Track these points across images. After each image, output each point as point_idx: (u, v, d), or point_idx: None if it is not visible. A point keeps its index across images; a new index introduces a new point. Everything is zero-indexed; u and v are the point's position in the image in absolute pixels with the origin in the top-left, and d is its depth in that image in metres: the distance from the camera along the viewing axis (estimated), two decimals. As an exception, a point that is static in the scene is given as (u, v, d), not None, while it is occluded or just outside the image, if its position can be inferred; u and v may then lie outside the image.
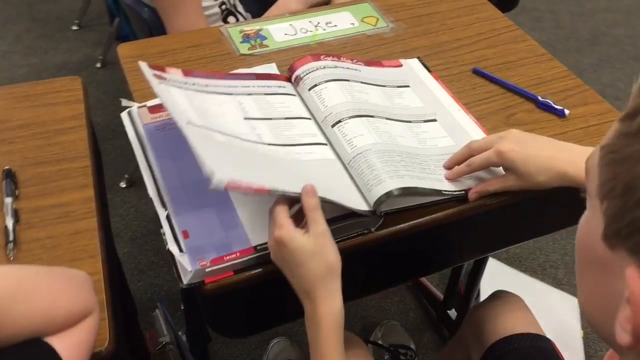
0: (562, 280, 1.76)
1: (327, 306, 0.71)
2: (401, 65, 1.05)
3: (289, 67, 0.99)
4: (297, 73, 0.97)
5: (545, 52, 1.11)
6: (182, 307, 1.58)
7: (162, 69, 0.89)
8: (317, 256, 0.70)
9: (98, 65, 2.42)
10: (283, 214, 0.72)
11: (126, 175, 1.96)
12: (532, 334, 0.98)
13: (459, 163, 0.84)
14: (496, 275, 1.68)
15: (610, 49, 2.64)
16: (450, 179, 0.84)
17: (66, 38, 2.57)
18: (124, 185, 1.95)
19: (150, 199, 0.82)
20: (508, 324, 1.01)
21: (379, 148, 0.84)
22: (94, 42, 2.54)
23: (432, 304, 1.67)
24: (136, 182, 1.96)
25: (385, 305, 1.68)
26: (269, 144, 0.84)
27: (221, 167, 0.68)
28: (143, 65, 0.86)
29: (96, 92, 2.28)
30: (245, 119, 0.88)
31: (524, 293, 1.10)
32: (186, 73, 0.91)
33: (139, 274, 1.71)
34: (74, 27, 2.61)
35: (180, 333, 1.29)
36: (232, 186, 0.67)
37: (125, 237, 1.81)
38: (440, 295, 1.64)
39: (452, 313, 1.60)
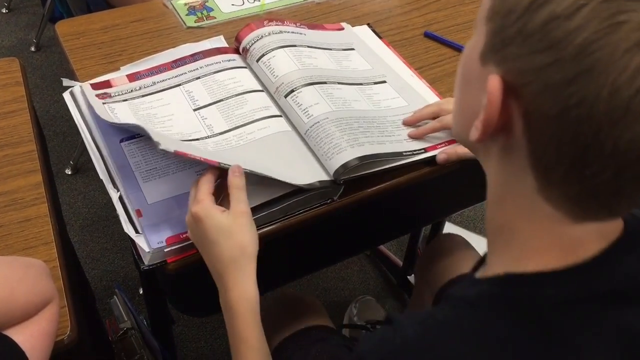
0: (515, 239, 1.80)
1: (240, 290, 0.67)
2: (343, 29, 1.04)
3: (235, 37, 0.96)
4: (243, 44, 0.94)
5: (493, 13, 1.12)
6: (141, 291, 1.55)
7: (107, 84, 0.89)
8: (233, 236, 0.66)
9: (32, 49, 2.31)
10: (205, 189, 0.68)
11: (71, 162, 1.89)
12: None
13: (423, 119, 0.85)
14: (452, 239, 1.71)
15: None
16: (416, 137, 0.84)
17: (-4, 22, 2.44)
18: (69, 172, 1.88)
19: (98, 184, 0.79)
20: (454, 265, 1.03)
21: (336, 116, 0.83)
22: (26, 25, 2.42)
23: (391, 271, 1.69)
24: (82, 168, 1.89)
25: (345, 275, 1.68)
26: (221, 133, 0.83)
27: (169, 142, 0.68)
28: (86, 89, 0.87)
29: (32, 77, 2.18)
30: (195, 110, 0.87)
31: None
32: (131, 78, 0.90)
33: (92, 262, 1.66)
34: (4, 10, 2.49)
35: (141, 317, 1.27)
36: (180, 153, 0.67)
37: (75, 225, 1.75)
38: (400, 262, 1.66)
39: (412, 279, 1.62)
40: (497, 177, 0.50)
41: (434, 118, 0.85)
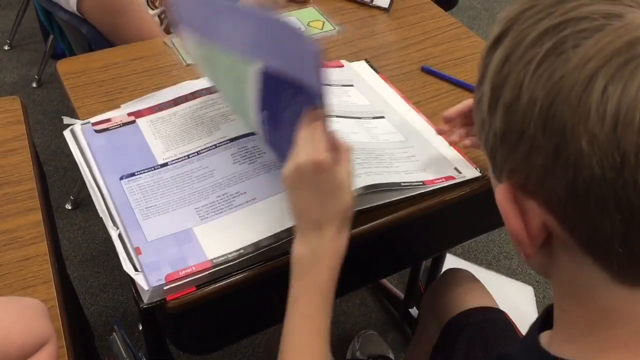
0: (516, 270, 1.79)
1: (339, 244, 0.67)
2: (343, 66, 1.05)
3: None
4: None
5: (489, 47, 1.13)
6: (140, 327, 1.53)
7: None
8: (347, 193, 0.67)
9: (34, 85, 2.34)
10: (324, 140, 0.66)
11: (71, 197, 1.89)
12: (485, 307, 0.99)
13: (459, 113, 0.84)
14: (454, 271, 1.70)
15: (545, 43, 2.73)
16: (449, 120, 0.85)
17: (-2, 59, 2.47)
18: (69, 207, 1.89)
19: (98, 219, 0.79)
20: (461, 300, 1.02)
21: None
22: (28, 62, 2.45)
23: (393, 304, 1.67)
24: (82, 203, 1.89)
25: (347, 308, 1.67)
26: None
27: None
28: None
29: (34, 113, 2.19)
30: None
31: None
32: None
33: (91, 297, 1.65)
34: (6, 47, 2.52)
35: (140, 354, 1.25)
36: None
37: (74, 261, 1.74)
38: (401, 295, 1.65)
39: (414, 312, 1.61)
40: (562, 282, 0.47)
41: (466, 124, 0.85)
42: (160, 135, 0.89)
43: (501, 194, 0.43)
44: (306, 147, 0.66)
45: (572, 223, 0.40)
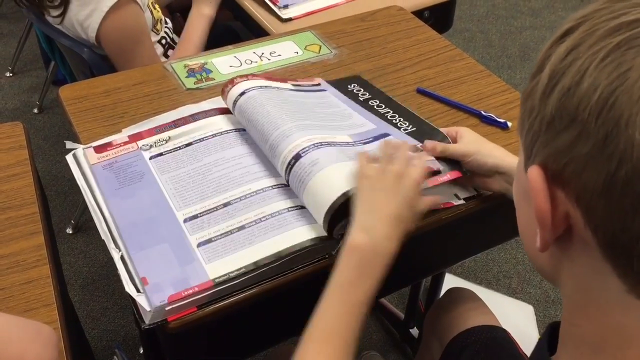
0: (516, 289, 1.79)
1: (395, 248, 0.72)
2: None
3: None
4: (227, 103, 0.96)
5: (484, 68, 1.15)
6: (141, 351, 1.53)
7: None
8: (416, 217, 0.75)
9: (35, 111, 2.36)
10: (425, 165, 0.78)
11: (72, 221, 1.90)
12: (487, 325, 1.00)
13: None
14: (454, 290, 1.70)
15: (540, 64, 2.75)
16: (432, 150, 0.87)
17: (0, 86, 2.49)
18: (70, 232, 1.89)
19: (98, 243, 0.80)
20: (463, 319, 1.02)
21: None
22: (30, 88, 2.48)
23: (393, 324, 1.67)
24: (82, 227, 1.90)
25: (348, 330, 1.67)
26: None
27: None
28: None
29: (35, 138, 2.21)
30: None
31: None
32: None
33: (92, 321, 1.65)
34: (8, 74, 2.55)
35: (141, 378, 1.25)
36: None
37: (75, 285, 1.75)
38: (401, 315, 1.65)
39: (414, 332, 1.61)
40: (574, 291, 0.45)
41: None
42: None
43: (536, 172, 0.41)
44: (405, 161, 0.76)
45: (599, 221, 0.39)
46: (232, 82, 0.97)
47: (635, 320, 0.41)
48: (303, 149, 0.82)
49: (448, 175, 0.85)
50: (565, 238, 0.42)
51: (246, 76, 0.98)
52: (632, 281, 0.39)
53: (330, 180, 0.79)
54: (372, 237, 0.71)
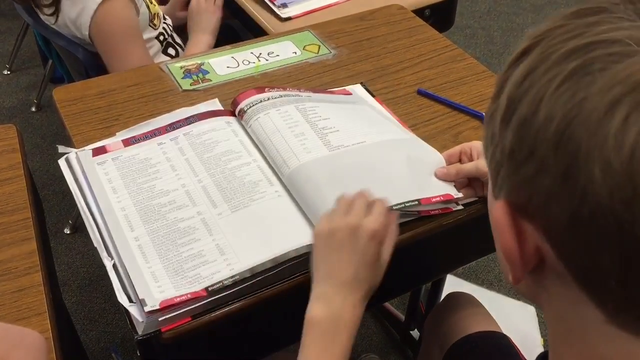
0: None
1: (359, 314, 0.68)
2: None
3: (232, 101, 0.97)
4: (241, 106, 0.95)
5: (485, 69, 1.13)
6: (138, 354, 1.52)
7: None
8: (382, 271, 0.71)
9: (33, 109, 2.34)
10: (384, 214, 0.72)
11: (70, 221, 1.89)
12: (488, 331, 0.98)
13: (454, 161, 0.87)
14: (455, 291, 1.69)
15: (542, 61, 2.73)
16: (446, 177, 0.86)
17: (-3, 83, 2.48)
18: (68, 232, 1.88)
19: None
20: (464, 324, 1.01)
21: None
22: (27, 86, 2.46)
23: (394, 326, 1.66)
24: (80, 227, 1.88)
25: (348, 331, 1.65)
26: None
27: None
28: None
29: (33, 137, 2.20)
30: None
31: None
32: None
33: (90, 323, 1.64)
34: (5, 72, 2.53)
35: (138, 382, 1.24)
36: None
37: (73, 286, 1.73)
38: (402, 317, 1.64)
39: (415, 333, 1.59)
40: (555, 320, 0.44)
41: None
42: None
43: (500, 209, 0.40)
44: (360, 212, 0.70)
45: (569, 255, 0.38)
46: (255, 92, 0.96)
47: (617, 351, 0.39)
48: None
49: (440, 197, 0.83)
50: (538, 271, 0.41)
51: (274, 88, 0.99)
52: (611, 312, 0.38)
53: (326, 182, 0.78)
54: (330, 308, 0.67)
